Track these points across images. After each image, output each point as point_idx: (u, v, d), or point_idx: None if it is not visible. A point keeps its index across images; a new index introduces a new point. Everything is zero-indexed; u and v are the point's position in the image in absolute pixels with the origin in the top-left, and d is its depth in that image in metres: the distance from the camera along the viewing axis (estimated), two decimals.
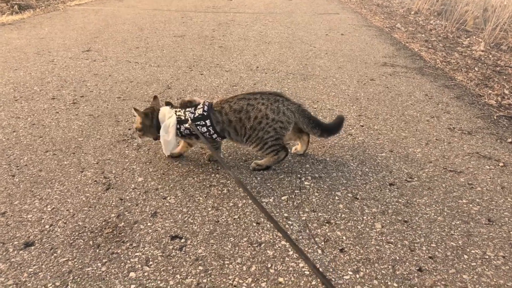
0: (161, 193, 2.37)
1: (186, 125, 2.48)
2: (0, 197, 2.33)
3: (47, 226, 2.08)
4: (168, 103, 2.68)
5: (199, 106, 2.53)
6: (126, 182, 2.47)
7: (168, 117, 2.53)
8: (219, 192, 2.38)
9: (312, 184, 2.48)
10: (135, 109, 2.57)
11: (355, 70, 4.97)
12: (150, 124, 2.58)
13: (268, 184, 2.47)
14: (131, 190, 2.38)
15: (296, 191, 2.40)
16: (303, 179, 2.54)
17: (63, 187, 2.41)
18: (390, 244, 2.00)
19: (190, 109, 2.54)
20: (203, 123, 2.47)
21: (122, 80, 4.38)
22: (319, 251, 1.94)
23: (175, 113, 2.53)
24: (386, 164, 2.74)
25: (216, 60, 5.18)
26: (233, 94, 3.50)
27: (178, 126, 2.51)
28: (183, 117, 2.51)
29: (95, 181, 2.48)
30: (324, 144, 3.01)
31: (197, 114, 2.48)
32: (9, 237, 2.00)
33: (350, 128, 3.31)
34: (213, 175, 2.57)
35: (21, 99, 3.79)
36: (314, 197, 2.35)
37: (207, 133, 2.49)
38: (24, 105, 3.65)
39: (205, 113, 2.47)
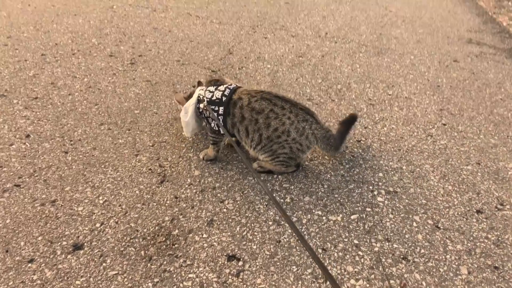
0: (219, 195, 2.16)
1: (201, 105, 2.21)
2: (52, 179, 2.19)
3: (98, 225, 1.92)
4: (200, 83, 2.44)
5: (220, 88, 2.23)
6: (182, 175, 2.27)
7: (194, 96, 2.28)
8: (281, 200, 2.13)
9: (386, 202, 2.17)
10: (177, 99, 2.39)
11: (436, 46, 4.44)
12: None
13: (336, 196, 2.18)
14: (186, 186, 2.17)
15: (367, 208, 2.11)
16: (375, 192, 2.23)
17: (116, 174, 2.23)
18: None
19: (212, 88, 2.25)
20: (216, 108, 2.18)
21: (182, 38, 4.10)
22: None
23: (199, 92, 2.27)
24: (472, 182, 2.37)
25: (282, 20, 4.77)
26: (289, 69, 3.16)
27: (198, 106, 2.25)
28: (201, 96, 2.24)
29: (150, 169, 2.28)
30: (401, 147, 2.64)
31: (214, 97, 2.19)
32: (57, 235, 1.85)
33: (431, 127, 2.92)
34: (275, 176, 2.29)
35: (78, 53, 3.62)
36: (388, 219, 2.05)
37: (215, 123, 2.20)
38: (81, 61, 3.47)
39: (223, 98, 2.16)
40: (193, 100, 2.27)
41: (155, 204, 2.05)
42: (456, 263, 1.85)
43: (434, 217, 2.11)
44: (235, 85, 2.26)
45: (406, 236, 1.97)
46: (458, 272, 1.81)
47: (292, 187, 2.23)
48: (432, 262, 1.85)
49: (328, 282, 1.70)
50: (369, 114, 3.03)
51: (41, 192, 2.08)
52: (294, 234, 1.93)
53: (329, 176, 2.34)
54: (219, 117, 2.19)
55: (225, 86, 2.25)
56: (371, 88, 3.46)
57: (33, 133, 2.50)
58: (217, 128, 2.24)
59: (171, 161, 2.37)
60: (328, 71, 3.72)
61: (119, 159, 2.35)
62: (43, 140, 2.45)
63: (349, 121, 2.37)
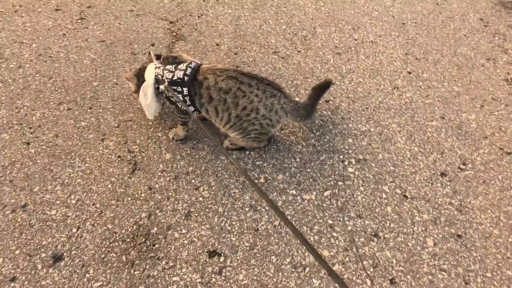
0: (193, 181, 2.18)
1: (161, 87, 2.10)
2: (18, 179, 2.14)
3: (74, 230, 1.93)
4: (159, 57, 2.30)
5: (180, 66, 2.12)
6: (153, 160, 2.26)
7: (149, 76, 2.16)
8: (256, 180, 2.17)
9: (356, 172, 2.25)
10: (126, 77, 2.26)
11: None
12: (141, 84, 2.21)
13: (309, 170, 2.24)
14: (159, 174, 2.17)
15: (339, 182, 2.19)
16: (346, 162, 2.30)
17: (85, 166, 2.20)
18: (443, 273, 1.85)
19: (170, 66, 2.15)
20: (180, 89, 2.10)
21: None
22: (368, 282, 1.80)
23: (155, 70, 2.15)
24: (437, 140, 2.47)
25: None
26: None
27: (156, 86, 2.16)
28: (160, 76, 2.13)
29: (119, 156, 2.25)
30: (368, 105, 2.67)
31: (175, 77, 2.09)
32: (35, 246, 1.86)
33: (396, 77, 2.94)
34: (247, 153, 2.33)
35: (21, 9, 3.31)
36: (359, 193, 2.15)
37: (181, 103, 2.11)
38: (26, 20, 3.21)
39: (185, 78, 2.08)
40: (150, 80, 2.16)
41: (129, 199, 2.06)
42: (423, 235, 1.99)
43: (402, 185, 2.20)
44: (196, 63, 2.16)
45: (377, 210, 2.07)
46: (425, 245, 1.95)
47: (265, 164, 2.26)
48: (401, 237, 1.98)
49: (307, 270, 1.80)
50: (336, 67, 3.00)
51: (10, 196, 2.04)
52: (271, 220, 1.99)
53: (300, 147, 2.36)
54: (185, 97, 2.12)
55: (185, 64, 2.15)
56: (336, 32, 3.38)
57: None
58: (184, 109, 2.18)
59: (140, 144, 2.33)
60: (292, 13, 3.58)
61: (85, 146, 2.29)
62: (0, 130, 2.32)
63: (323, 88, 2.35)
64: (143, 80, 2.18)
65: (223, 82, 2.06)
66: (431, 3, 3.90)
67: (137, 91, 2.24)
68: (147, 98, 2.16)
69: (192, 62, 2.16)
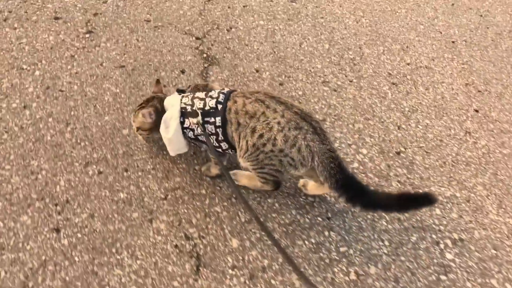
0: (273, 282, 1.80)
1: (194, 121, 1.78)
2: None
3: None
4: (180, 91, 1.95)
5: (212, 93, 1.81)
6: (219, 251, 1.86)
7: (173, 105, 1.84)
8: (346, 277, 1.81)
9: (457, 260, 1.97)
10: (141, 113, 1.87)
11: None
12: (159, 120, 1.88)
13: (403, 259, 1.93)
14: (230, 272, 1.81)
15: (442, 276, 1.88)
16: (441, 245, 2.00)
17: (136, 264, 1.80)
18: None
19: (200, 93, 1.84)
20: (212, 120, 1.76)
21: None
22: None
23: (181, 101, 1.84)
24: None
25: None
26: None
27: (182, 120, 1.82)
28: (189, 107, 1.80)
29: (176, 246, 1.86)
30: (445, 158, 2.35)
31: (207, 106, 1.77)
32: None
33: (465, 117, 2.61)
34: (326, 234, 1.95)
35: (11, 18, 2.74)
36: None
37: (214, 138, 1.81)
38: (20, 33, 2.72)
39: (219, 106, 1.75)
40: (175, 111, 1.82)
41: None
42: None
43: (511, 277, 1.88)
44: (228, 89, 1.83)
45: None
46: None
47: (351, 251, 1.91)
48: None
49: None
50: (396, 103, 2.61)
51: None
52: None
53: (385, 223, 2.01)
54: (218, 129, 1.77)
55: (217, 91, 1.82)
56: (386, 54, 2.98)
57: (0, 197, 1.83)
58: (217, 144, 1.83)
59: (198, 225, 1.88)
60: (331, 26, 3.13)
61: (131, 232, 1.82)
62: (18, 211, 1.79)
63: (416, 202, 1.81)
64: (161, 113, 1.85)
65: (250, 105, 1.73)
66: (475, 14, 3.53)
67: (145, 127, 1.90)
68: (168, 131, 1.81)
69: (225, 88, 1.83)
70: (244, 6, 3.15)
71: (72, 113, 2.24)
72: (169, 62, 2.60)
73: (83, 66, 2.48)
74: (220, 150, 1.88)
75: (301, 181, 2.06)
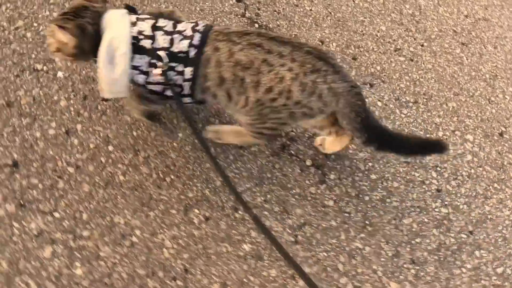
0: None
1: (158, 70, 1.35)
2: None
3: None
4: (129, 8, 1.44)
5: (181, 28, 1.38)
6: None
7: (116, 29, 1.33)
8: None
9: None
10: (59, 26, 1.29)
11: None
12: (90, 44, 1.35)
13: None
14: None
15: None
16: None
17: None
18: None
19: (164, 23, 1.39)
20: (180, 68, 1.36)
21: None
22: None
23: (133, 26, 1.35)
24: None
25: None
26: None
27: (131, 56, 1.33)
28: (147, 41, 1.35)
29: None
30: None
31: (176, 48, 1.35)
32: None
33: None
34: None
35: None
36: None
37: (176, 90, 1.40)
38: None
39: (191, 52, 1.35)
40: (123, 40, 1.31)
41: None
42: None
43: None
44: (203, 24, 1.40)
45: None
46: None
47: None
48: None
49: None
50: (475, 70, 2.37)
51: None
52: None
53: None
54: (185, 83, 1.38)
55: (190, 26, 1.38)
56: (442, 5, 2.65)
57: None
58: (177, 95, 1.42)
59: (347, 272, 1.55)
60: None
61: None
62: None
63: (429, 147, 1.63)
64: (93, 35, 1.33)
65: (241, 52, 1.33)
66: None
67: (71, 51, 1.35)
68: (114, 70, 1.32)
69: (199, 23, 1.40)
70: None
71: (135, 133, 1.64)
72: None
73: None
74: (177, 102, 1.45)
75: (318, 140, 1.76)
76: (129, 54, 1.31)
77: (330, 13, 2.34)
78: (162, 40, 1.32)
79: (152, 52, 1.32)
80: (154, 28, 1.34)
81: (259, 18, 2.20)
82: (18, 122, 1.57)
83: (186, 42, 1.32)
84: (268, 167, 1.70)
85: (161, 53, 1.31)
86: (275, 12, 2.25)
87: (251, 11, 2.21)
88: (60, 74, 1.73)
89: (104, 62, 1.30)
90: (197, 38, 1.33)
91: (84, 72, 1.74)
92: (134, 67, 1.33)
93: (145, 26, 1.34)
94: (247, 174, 1.66)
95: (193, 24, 1.38)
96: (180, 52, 1.32)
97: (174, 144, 1.68)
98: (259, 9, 2.24)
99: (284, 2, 2.31)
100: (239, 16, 2.18)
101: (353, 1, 2.46)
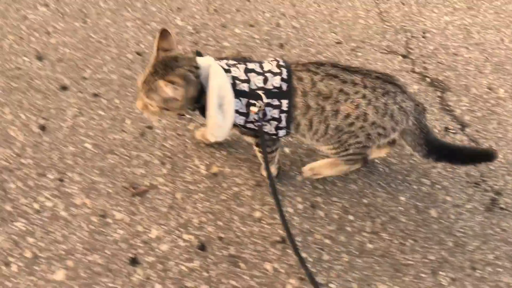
0: None
1: (254, 109, 1.45)
2: None
3: None
4: (198, 53, 1.54)
5: (268, 66, 1.51)
6: None
7: (219, 77, 1.42)
8: None
9: None
10: (167, 81, 1.33)
11: None
12: (194, 95, 1.45)
13: None
14: None
15: None
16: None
17: None
18: None
19: (252, 66, 1.51)
20: (277, 103, 1.47)
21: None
22: None
23: (227, 72, 1.46)
24: None
25: None
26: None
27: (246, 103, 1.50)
28: (244, 85, 1.46)
29: None
30: None
31: (269, 85, 1.46)
32: None
33: None
34: None
35: None
36: None
37: (274, 124, 1.54)
38: None
39: (283, 86, 1.47)
40: (226, 86, 1.42)
41: None
42: None
43: None
44: (282, 60, 1.54)
45: None
46: None
47: None
48: None
49: None
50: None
51: None
52: None
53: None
54: (282, 114, 1.51)
55: (274, 63, 1.51)
56: None
57: None
58: (274, 131, 1.57)
59: None
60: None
61: None
62: None
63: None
64: (196, 84, 1.43)
65: (322, 83, 1.47)
66: None
67: (176, 107, 1.47)
68: (226, 118, 1.46)
69: (279, 60, 1.54)
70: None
71: (365, 200, 1.84)
72: None
73: None
74: (274, 137, 1.59)
75: None
76: (233, 100, 1.42)
77: (487, 58, 2.48)
78: (257, 80, 1.45)
79: (251, 93, 1.44)
80: (247, 71, 1.47)
81: (427, 71, 2.36)
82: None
83: (278, 78, 1.45)
84: (487, 224, 1.87)
85: (260, 92, 1.44)
86: (439, 64, 2.40)
87: (418, 66, 2.37)
88: (286, 149, 1.93)
89: (216, 109, 1.41)
90: (285, 72, 1.46)
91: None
92: (235, 111, 1.46)
93: (239, 72, 1.46)
94: (472, 233, 1.83)
95: (276, 62, 1.51)
96: (274, 88, 1.45)
97: (400, 208, 1.86)
98: (424, 63, 2.40)
99: (444, 52, 2.46)
100: (409, 71, 2.34)
101: (501, 41, 2.58)
